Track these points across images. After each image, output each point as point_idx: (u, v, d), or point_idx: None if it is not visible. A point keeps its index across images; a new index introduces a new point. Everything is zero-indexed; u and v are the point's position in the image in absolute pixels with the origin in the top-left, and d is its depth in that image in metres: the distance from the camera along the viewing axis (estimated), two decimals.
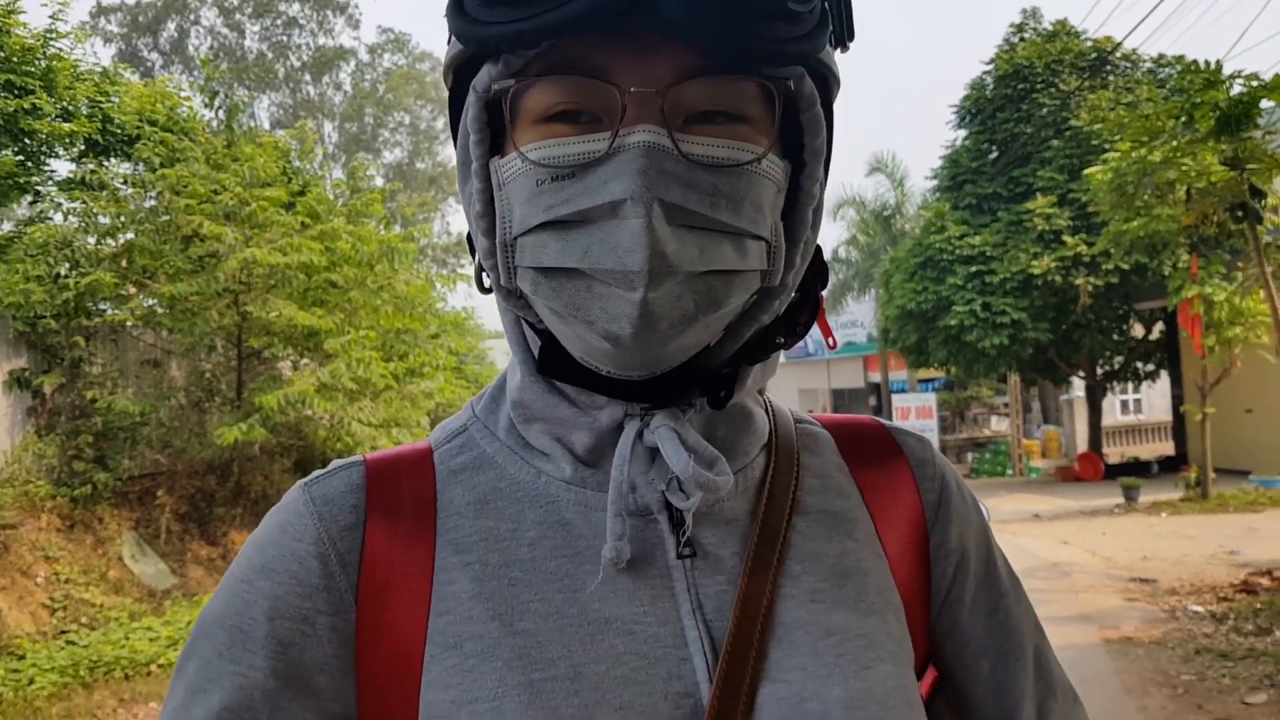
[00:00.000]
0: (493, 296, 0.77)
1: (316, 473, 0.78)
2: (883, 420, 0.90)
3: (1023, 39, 21.55)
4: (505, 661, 0.69)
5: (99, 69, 11.73)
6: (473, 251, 0.75)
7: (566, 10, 0.61)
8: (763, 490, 0.78)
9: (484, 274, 0.74)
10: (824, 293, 0.80)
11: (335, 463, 0.79)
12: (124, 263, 10.59)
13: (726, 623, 0.72)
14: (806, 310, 0.78)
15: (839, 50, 0.74)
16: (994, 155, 20.75)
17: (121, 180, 11.12)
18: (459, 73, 0.72)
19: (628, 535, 0.71)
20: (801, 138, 0.71)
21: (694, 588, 0.73)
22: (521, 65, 0.67)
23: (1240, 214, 8.92)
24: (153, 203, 10.81)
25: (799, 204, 0.72)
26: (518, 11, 0.62)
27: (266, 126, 26.37)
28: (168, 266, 10.18)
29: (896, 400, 26.52)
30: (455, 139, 0.74)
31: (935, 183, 22.49)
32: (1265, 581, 9.03)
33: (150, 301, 10.59)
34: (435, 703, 0.70)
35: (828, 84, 0.72)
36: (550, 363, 0.73)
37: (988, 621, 0.85)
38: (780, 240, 0.70)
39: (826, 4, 0.67)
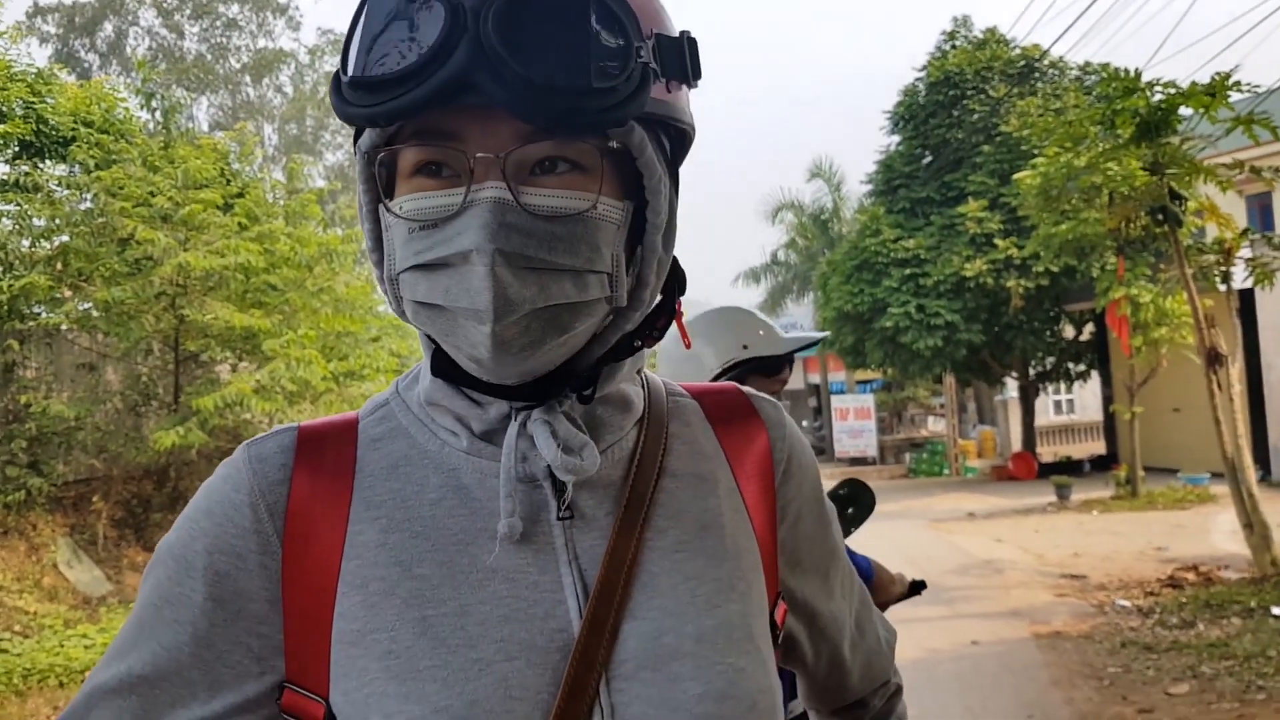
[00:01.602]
0: None
1: (258, 436, 0.91)
2: (741, 387, 1.04)
3: (954, 46, 21.98)
4: (403, 600, 0.83)
5: (34, 70, 11.49)
6: None
7: (408, 98, 0.73)
8: (634, 459, 0.91)
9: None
10: (682, 298, 0.94)
11: (275, 428, 0.92)
12: (59, 265, 10.43)
13: (598, 572, 0.85)
14: (664, 315, 0.93)
15: (686, 88, 0.86)
16: (927, 160, 21.10)
17: (56, 182, 10.94)
18: (356, 133, 0.84)
19: (518, 511, 0.84)
20: (641, 180, 0.83)
21: (571, 544, 0.86)
22: (396, 129, 0.80)
23: (1161, 217, 9.15)
24: (88, 205, 10.65)
25: (646, 233, 0.85)
26: (373, 98, 0.75)
27: (206, 128, 25.98)
28: (104, 269, 10.04)
29: (835, 401, 26.77)
30: None
31: (870, 187, 22.81)
32: (1191, 577, 9.28)
33: (86, 305, 10.44)
34: (344, 631, 0.83)
35: (664, 128, 0.85)
36: (441, 367, 0.87)
37: (821, 547, 1.04)
38: (620, 270, 0.83)
39: (653, 64, 0.79)
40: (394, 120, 0.77)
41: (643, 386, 0.97)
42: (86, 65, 29.13)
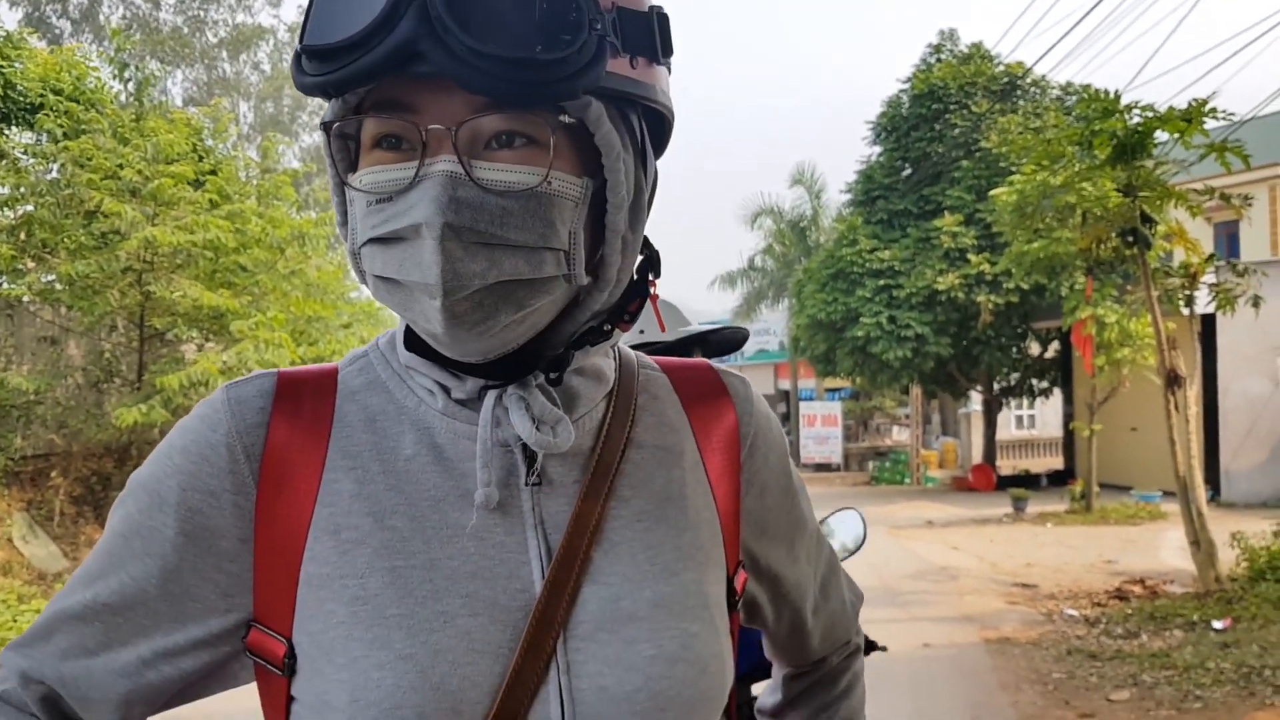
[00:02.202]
0: None
1: (238, 378, 0.92)
2: (711, 363, 1.06)
3: (939, 60, 22.10)
4: (374, 549, 0.84)
5: (2, 32, 11.25)
6: None
7: (354, 66, 0.74)
8: (602, 429, 0.92)
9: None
10: (657, 280, 0.94)
11: (256, 371, 0.93)
12: (22, 236, 10.29)
13: (561, 536, 0.87)
14: (637, 298, 0.92)
15: (658, 66, 0.84)
16: (907, 172, 21.23)
17: (22, 150, 10.76)
18: None
19: (494, 481, 0.85)
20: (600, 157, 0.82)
21: (538, 508, 0.87)
22: (357, 102, 0.80)
23: (1132, 239, 9.24)
24: (55, 175, 10.49)
25: (607, 212, 0.84)
26: (324, 66, 0.76)
27: (179, 103, 25.71)
28: (69, 241, 9.90)
29: (804, 408, 26.91)
30: None
31: (850, 196, 22.93)
32: (1137, 589, 9.50)
33: (49, 277, 10.30)
34: (313, 574, 0.84)
35: (631, 105, 0.84)
36: (414, 342, 0.88)
37: (787, 517, 1.06)
38: (578, 248, 0.82)
39: (612, 37, 0.77)
40: (344, 89, 0.77)
41: (614, 359, 0.98)
42: (58, 32, 28.67)
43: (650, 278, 0.93)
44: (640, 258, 0.91)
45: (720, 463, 0.99)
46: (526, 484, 0.88)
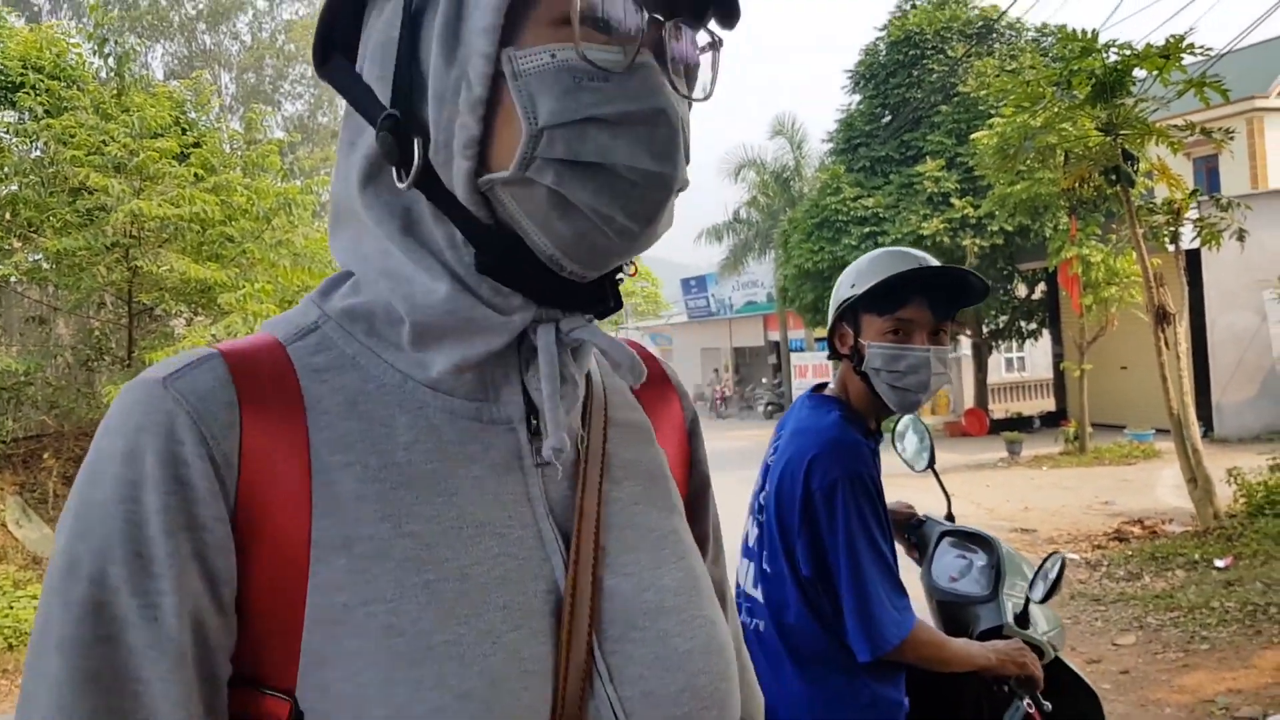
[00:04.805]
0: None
1: (168, 365, 0.71)
2: (643, 345, 0.97)
3: (914, 6, 21.99)
4: (399, 563, 0.69)
5: None
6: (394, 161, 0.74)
7: None
8: (588, 404, 0.85)
9: (402, 171, 0.74)
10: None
11: (184, 354, 0.72)
12: (8, 215, 10.21)
13: (572, 524, 0.78)
14: None
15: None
16: (886, 119, 21.20)
17: (5, 129, 10.70)
18: None
19: (499, 463, 0.76)
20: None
21: (546, 494, 0.78)
22: None
23: (1114, 177, 9.28)
24: (38, 153, 10.43)
25: None
26: None
27: (160, 77, 25.40)
28: (54, 219, 9.84)
29: (795, 359, 26.95)
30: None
31: (831, 146, 22.88)
32: (1136, 530, 9.53)
33: (36, 256, 10.27)
34: (323, 606, 0.68)
35: None
36: (494, 263, 0.74)
37: (713, 512, 1.00)
38: None
39: None
40: None
41: None
42: (36, 9, 28.36)
43: None
44: None
45: (672, 448, 0.94)
46: (536, 465, 0.78)
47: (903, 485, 2.70)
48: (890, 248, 2.38)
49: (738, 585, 2.25)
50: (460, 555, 0.71)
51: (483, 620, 0.70)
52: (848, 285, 2.21)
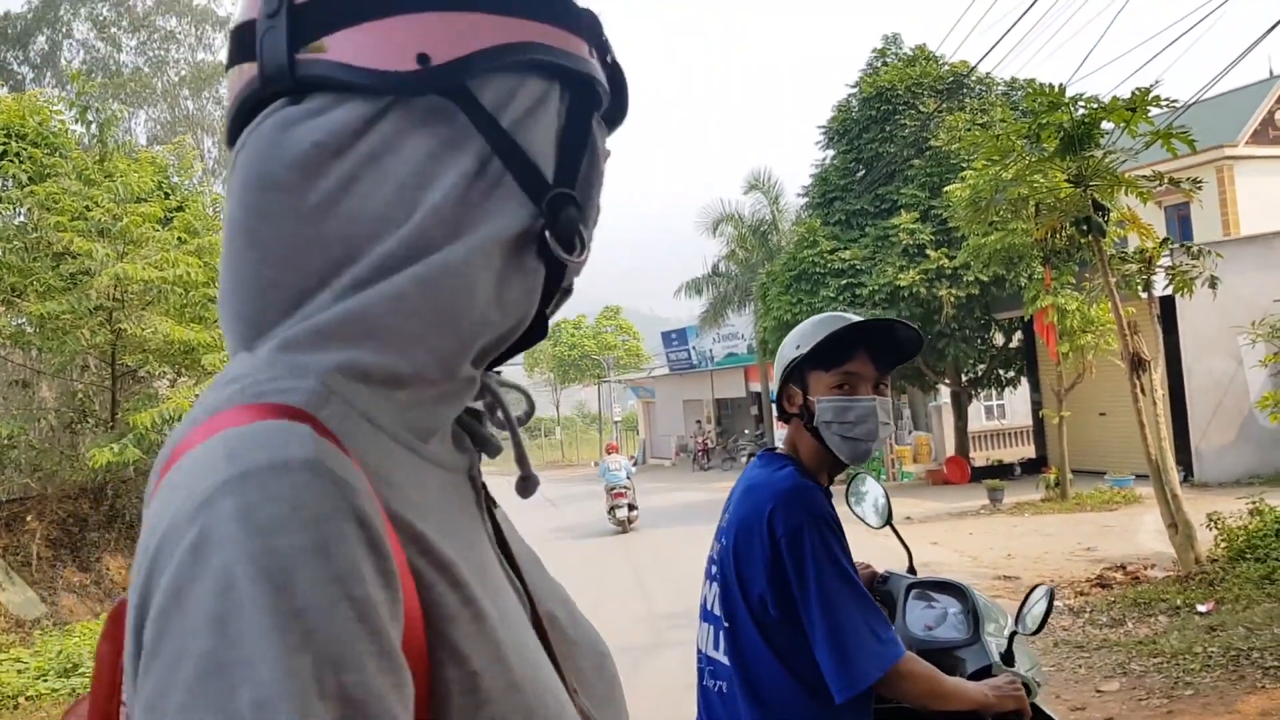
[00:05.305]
0: None
1: (281, 444, 0.60)
2: None
3: (885, 63, 22.41)
4: (495, 626, 0.67)
5: None
6: None
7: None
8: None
9: None
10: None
11: (267, 425, 0.61)
12: None
13: (510, 560, 0.79)
14: None
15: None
16: (861, 173, 21.50)
17: None
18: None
19: (474, 502, 0.77)
20: None
21: (492, 537, 0.78)
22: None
23: (1085, 228, 9.44)
24: (21, 219, 10.50)
25: None
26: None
27: (144, 142, 25.56)
28: (38, 284, 9.89)
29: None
30: None
31: (807, 200, 23.14)
32: (1119, 576, 9.53)
33: (19, 320, 10.28)
34: (452, 679, 0.64)
35: None
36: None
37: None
38: None
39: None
40: None
41: None
42: (19, 78, 28.55)
43: None
44: None
45: None
46: (488, 511, 0.79)
47: (891, 534, 2.72)
48: (829, 312, 2.52)
49: (699, 650, 2.27)
50: (500, 603, 0.70)
51: (543, 668, 0.70)
52: (793, 346, 2.29)
